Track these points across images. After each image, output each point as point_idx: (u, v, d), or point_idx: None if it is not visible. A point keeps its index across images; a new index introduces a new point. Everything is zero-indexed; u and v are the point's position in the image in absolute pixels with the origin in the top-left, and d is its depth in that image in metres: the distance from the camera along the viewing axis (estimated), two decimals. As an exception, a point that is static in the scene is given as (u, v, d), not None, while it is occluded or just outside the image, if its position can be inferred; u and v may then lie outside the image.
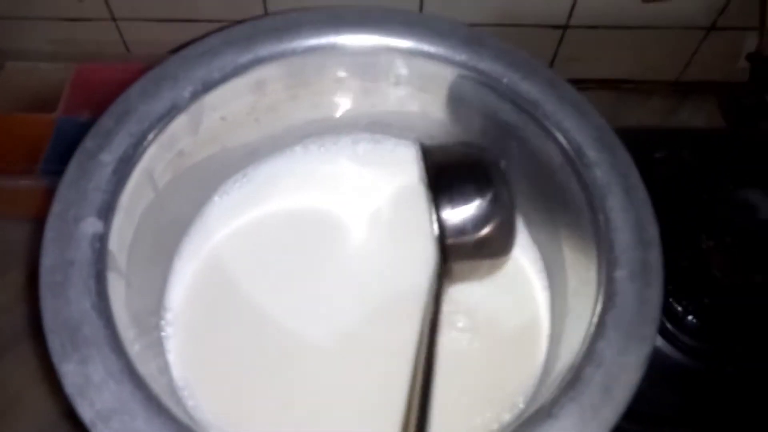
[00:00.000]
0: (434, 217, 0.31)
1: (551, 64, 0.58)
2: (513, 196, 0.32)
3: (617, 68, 0.59)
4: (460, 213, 0.31)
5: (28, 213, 0.47)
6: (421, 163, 0.33)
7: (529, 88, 0.32)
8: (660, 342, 0.39)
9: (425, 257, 0.38)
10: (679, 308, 0.39)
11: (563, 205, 0.33)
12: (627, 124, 0.57)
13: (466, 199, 0.31)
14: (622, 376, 0.25)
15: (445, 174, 0.32)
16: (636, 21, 0.53)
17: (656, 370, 0.38)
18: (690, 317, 0.38)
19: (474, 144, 0.34)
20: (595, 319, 0.26)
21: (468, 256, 0.32)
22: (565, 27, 0.54)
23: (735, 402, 0.38)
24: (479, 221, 0.31)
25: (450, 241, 0.31)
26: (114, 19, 0.53)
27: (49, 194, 0.45)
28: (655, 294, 0.27)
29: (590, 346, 0.26)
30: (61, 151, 0.47)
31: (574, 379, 0.25)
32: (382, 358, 0.35)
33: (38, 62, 0.53)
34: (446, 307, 0.33)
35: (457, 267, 0.31)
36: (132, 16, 0.53)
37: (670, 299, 0.39)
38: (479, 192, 0.31)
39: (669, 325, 0.39)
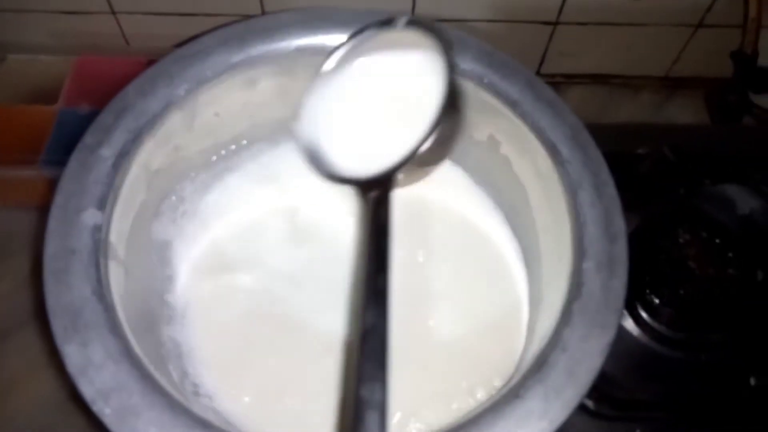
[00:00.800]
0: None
1: (542, 59, 0.58)
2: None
3: (607, 63, 0.60)
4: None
5: (30, 202, 0.48)
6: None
7: (508, 88, 0.33)
8: (637, 332, 0.40)
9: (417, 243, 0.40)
10: (656, 299, 0.40)
11: (544, 201, 0.35)
12: (617, 117, 0.58)
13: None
14: (585, 361, 0.27)
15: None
16: (625, 18, 0.54)
17: (634, 359, 0.40)
18: (666, 308, 0.40)
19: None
20: (562, 307, 0.28)
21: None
22: (555, 23, 0.55)
23: (709, 388, 0.39)
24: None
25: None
26: (114, 13, 0.54)
27: (50, 184, 0.47)
28: (619, 284, 0.28)
29: (556, 333, 0.27)
30: (62, 142, 0.48)
31: (540, 363, 0.27)
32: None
33: (39, 55, 0.54)
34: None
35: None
36: (131, 9, 0.54)
37: (647, 290, 0.40)
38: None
39: (646, 316, 0.40)
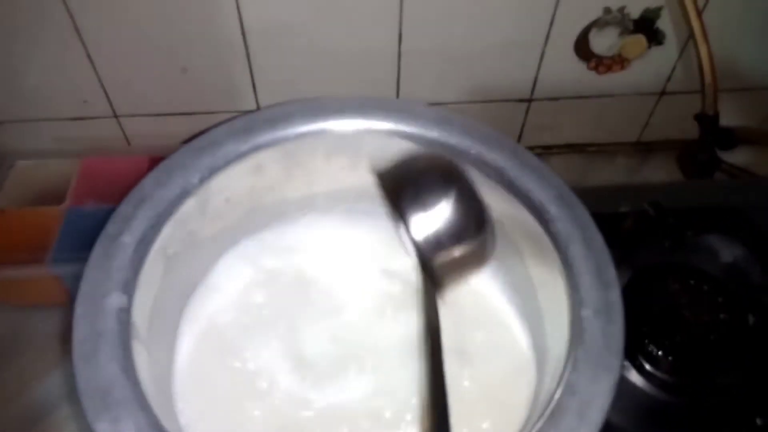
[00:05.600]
0: (408, 240, 0.31)
1: (520, 133, 0.62)
2: (472, 183, 0.31)
3: (581, 133, 0.63)
4: (431, 223, 0.31)
5: (37, 301, 0.49)
6: (381, 191, 0.34)
7: (494, 157, 0.36)
8: (641, 382, 0.41)
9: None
10: (655, 348, 0.41)
11: (537, 258, 0.37)
12: (595, 182, 0.61)
13: (432, 206, 0.30)
14: (595, 402, 0.28)
15: (407, 190, 0.30)
16: (593, 91, 0.58)
17: (641, 409, 0.41)
18: (666, 356, 0.41)
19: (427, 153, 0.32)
20: (567, 355, 0.29)
21: (452, 260, 0.32)
22: (529, 100, 0.59)
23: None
24: (451, 222, 0.31)
25: (432, 255, 0.31)
26: (116, 117, 0.56)
27: (58, 281, 0.48)
28: (617, 328, 0.30)
29: (563, 378, 0.29)
30: (70, 239, 0.49)
31: (552, 408, 0.28)
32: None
33: (46, 159, 0.56)
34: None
35: (447, 277, 0.32)
36: (133, 112, 0.57)
37: (646, 340, 0.41)
38: (443, 193, 0.30)
39: (648, 365, 0.41)
